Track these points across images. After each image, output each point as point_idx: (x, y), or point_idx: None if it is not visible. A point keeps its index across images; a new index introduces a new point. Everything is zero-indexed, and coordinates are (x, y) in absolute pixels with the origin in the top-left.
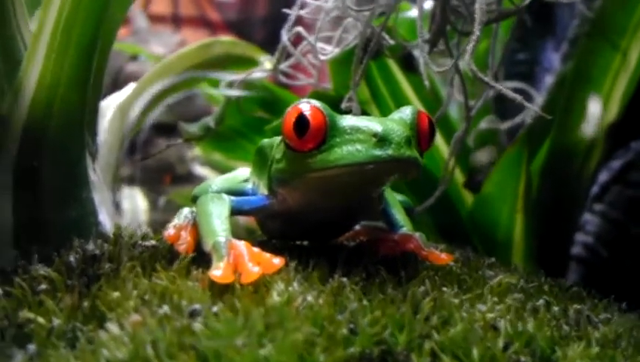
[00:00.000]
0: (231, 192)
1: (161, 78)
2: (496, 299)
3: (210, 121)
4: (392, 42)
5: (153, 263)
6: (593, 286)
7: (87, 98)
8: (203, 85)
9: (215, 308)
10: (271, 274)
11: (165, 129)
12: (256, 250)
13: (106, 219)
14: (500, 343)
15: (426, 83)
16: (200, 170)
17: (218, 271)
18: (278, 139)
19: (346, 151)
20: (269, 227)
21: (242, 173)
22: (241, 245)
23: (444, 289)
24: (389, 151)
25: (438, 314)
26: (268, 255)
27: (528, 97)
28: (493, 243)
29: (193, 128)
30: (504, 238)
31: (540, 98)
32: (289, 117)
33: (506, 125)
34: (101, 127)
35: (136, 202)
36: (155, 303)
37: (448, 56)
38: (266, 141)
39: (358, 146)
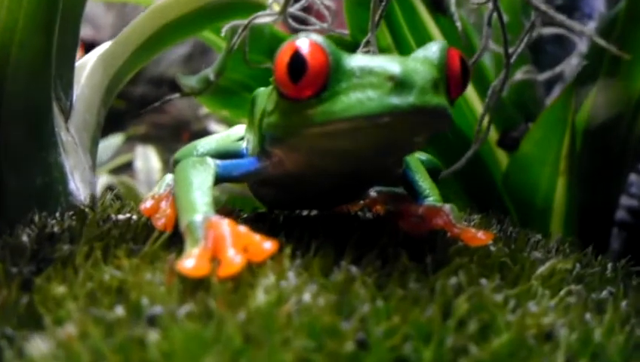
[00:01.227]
0: (222, 155)
1: (153, 25)
2: (548, 292)
3: (209, 72)
4: None
5: (121, 244)
6: (636, 253)
7: (53, 43)
8: (205, 34)
9: (182, 311)
10: (260, 262)
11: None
12: (242, 229)
13: (79, 187)
14: (560, 359)
15: (458, 25)
16: (216, 127)
17: (190, 261)
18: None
19: (355, 100)
20: (263, 195)
21: (237, 131)
22: (224, 224)
23: (483, 281)
24: (411, 99)
25: (476, 317)
26: (257, 237)
27: (569, 45)
28: (529, 210)
29: (191, 81)
30: (543, 204)
31: (582, 45)
32: (282, 56)
33: (544, 76)
34: (80, 81)
35: (149, 161)
36: (107, 302)
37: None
38: (261, 90)
39: (370, 93)
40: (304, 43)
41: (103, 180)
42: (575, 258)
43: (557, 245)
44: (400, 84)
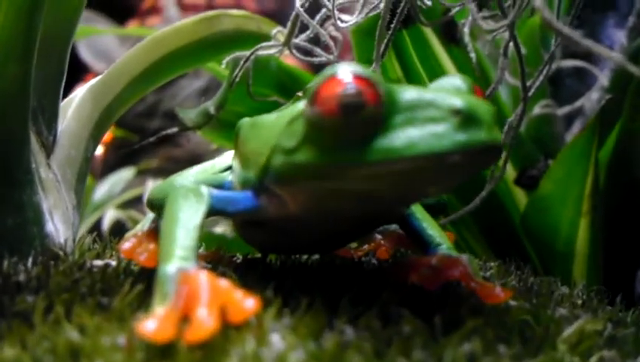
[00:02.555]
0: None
1: (150, 56)
2: (577, 360)
3: (210, 106)
4: (429, 3)
5: (88, 297)
6: None
7: (29, 75)
8: (215, 68)
9: None
10: (239, 324)
11: None
12: (223, 284)
13: (59, 229)
14: None
15: (472, 56)
16: None
17: (152, 323)
18: (269, 117)
19: (417, 136)
20: (251, 237)
21: (224, 160)
22: (201, 278)
23: (501, 348)
24: (482, 135)
25: None
26: (239, 294)
27: (589, 78)
28: (550, 253)
29: (191, 115)
30: (564, 247)
31: (604, 78)
32: (330, 100)
33: (564, 111)
34: (66, 114)
35: None
36: None
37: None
38: (246, 120)
39: (437, 128)
40: (354, 87)
41: (112, 215)
42: (605, 316)
43: (583, 298)
44: (467, 118)
